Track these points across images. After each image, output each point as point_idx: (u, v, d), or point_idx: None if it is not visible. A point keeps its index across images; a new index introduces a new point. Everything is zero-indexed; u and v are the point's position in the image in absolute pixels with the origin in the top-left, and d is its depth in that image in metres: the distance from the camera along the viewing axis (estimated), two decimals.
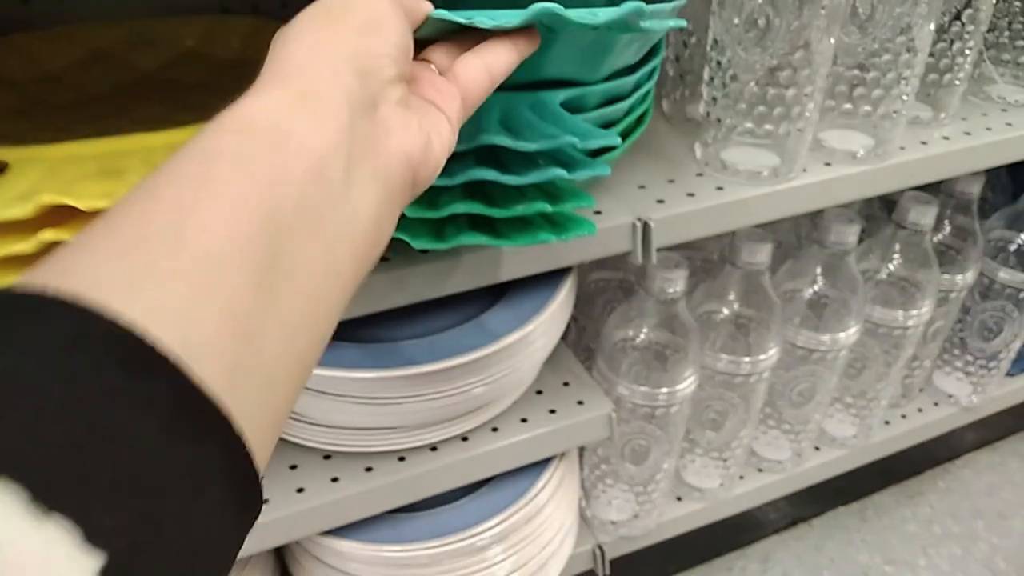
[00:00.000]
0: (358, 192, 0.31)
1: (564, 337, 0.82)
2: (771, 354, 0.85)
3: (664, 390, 0.80)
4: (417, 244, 0.51)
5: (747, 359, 0.85)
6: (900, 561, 1.26)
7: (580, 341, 0.94)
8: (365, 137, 0.32)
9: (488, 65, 0.41)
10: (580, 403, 0.79)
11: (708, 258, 0.96)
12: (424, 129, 0.36)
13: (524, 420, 0.77)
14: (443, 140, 0.38)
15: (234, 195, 0.26)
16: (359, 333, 0.65)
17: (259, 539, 0.68)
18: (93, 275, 0.23)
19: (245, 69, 0.68)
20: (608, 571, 0.96)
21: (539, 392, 0.80)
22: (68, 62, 0.69)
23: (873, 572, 1.24)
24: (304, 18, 0.35)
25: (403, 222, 0.51)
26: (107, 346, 0.21)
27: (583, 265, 0.93)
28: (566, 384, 0.81)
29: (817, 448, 1.08)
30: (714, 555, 1.26)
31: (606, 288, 0.94)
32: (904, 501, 1.36)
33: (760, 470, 1.05)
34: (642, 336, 0.81)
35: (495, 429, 0.76)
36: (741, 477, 1.03)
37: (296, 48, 0.33)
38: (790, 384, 0.94)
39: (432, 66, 0.41)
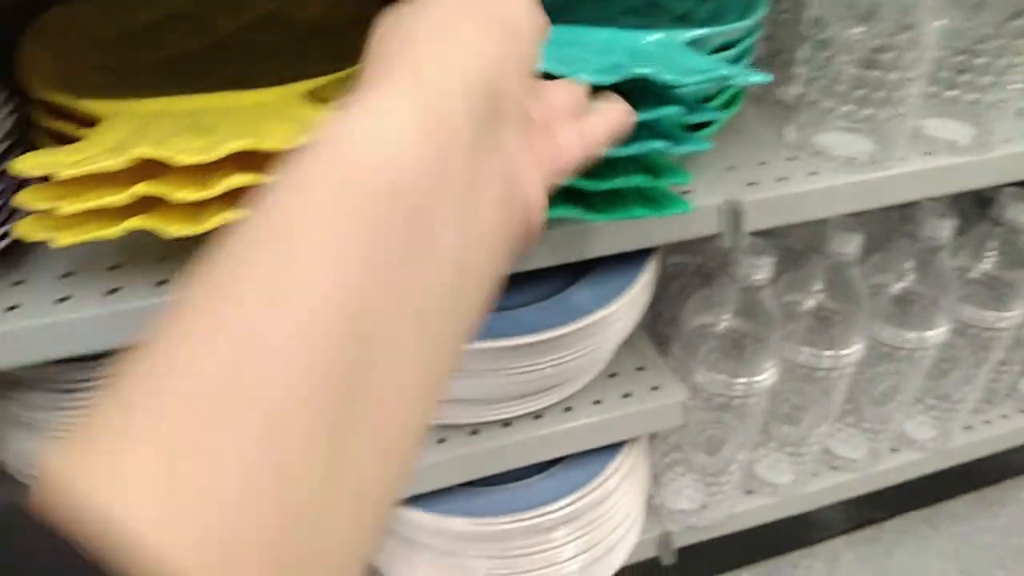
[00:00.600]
0: (473, 252, 0.26)
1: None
2: (854, 350, 0.83)
3: (742, 380, 0.78)
4: None
5: (829, 353, 0.82)
6: (975, 572, 1.21)
7: (654, 326, 0.92)
8: (489, 169, 0.27)
9: (583, 135, 0.35)
10: (655, 388, 0.78)
11: (792, 247, 0.93)
12: (540, 164, 0.31)
13: (598, 402, 0.76)
14: (551, 183, 0.32)
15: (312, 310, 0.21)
16: None
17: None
18: (120, 487, 0.18)
19: (324, 35, 0.68)
20: (674, 560, 0.94)
21: (613, 375, 0.79)
22: (148, 23, 0.69)
23: None
24: (428, 6, 0.29)
25: None
26: None
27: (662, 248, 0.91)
28: (641, 369, 0.80)
29: (895, 449, 1.05)
30: (780, 552, 1.23)
31: (682, 273, 0.92)
32: (981, 510, 1.31)
33: (834, 468, 1.02)
34: (722, 323, 0.79)
35: (568, 409, 0.75)
36: (814, 474, 1.01)
37: (422, 46, 0.27)
38: (872, 382, 0.91)
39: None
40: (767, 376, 0.79)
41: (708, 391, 0.79)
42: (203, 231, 0.45)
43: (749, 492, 0.98)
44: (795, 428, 0.90)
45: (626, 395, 0.77)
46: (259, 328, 0.20)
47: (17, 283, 0.53)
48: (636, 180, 0.47)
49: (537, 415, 0.74)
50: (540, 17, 0.31)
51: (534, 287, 0.67)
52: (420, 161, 0.24)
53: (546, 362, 0.63)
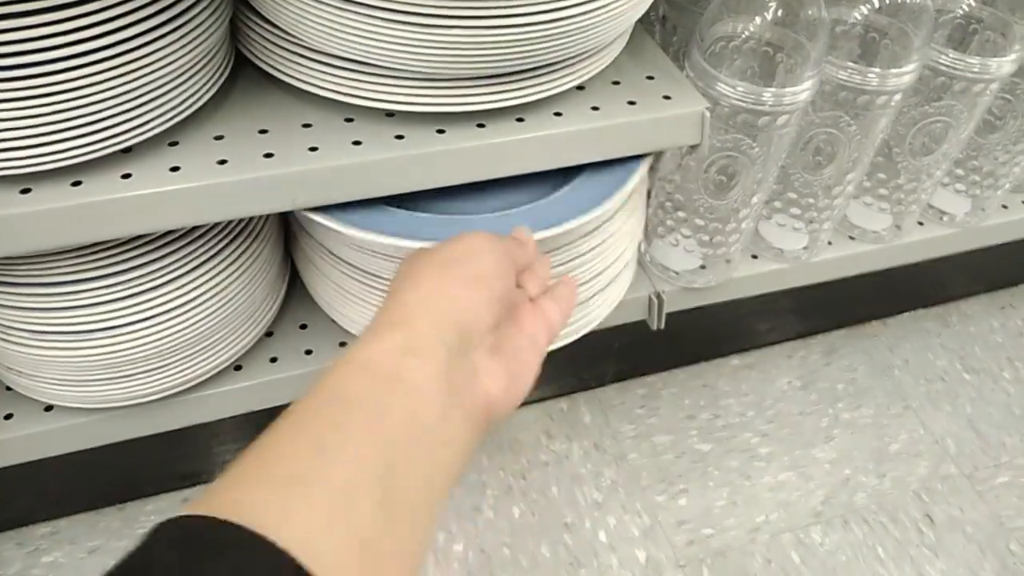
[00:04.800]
0: (452, 427, 0.37)
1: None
2: (908, 69, 0.68)
3: (773, 90, 0.64)
4: None
5: (876, 71, 0.68)
6: (982, 370, 1.13)
7: (667, 46, 0.77)
8: (459, 380, 0.39)
9: (559, 302, 0.49)
10: (667, 98, 0.63)
11: None
12: (510, 371, 0.42)
13: (595, 108, 0.62)
14: (531, 371, 0.44)
15: (362, 437, 0.33)
16: None
17: (260, 197, 0.55)
18: (261, 508, 0.29)
19: None
20: (662, 325, 0.83)
21: (616, 83, 0.64)
22: None
23: (950, 378, 1.12)
24: (420, 266, 0.43)
25: None
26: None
27: None
28: (650, 78, 0.65)
29: (921, 224, 0.93)
30: (775, 340, 1.13)
31: None
32: (994, 311, 1.21)
33: (852, 238, 0.90)
34: (754, 29, 0.64)
35: (558, 114, 0.61)
36: (829, 243, 0.88)
37: (409, 299, 0.41)
38: (917, 124, 0.77)
39: (528, 295, 0.49)
40: (804, 88, 0.64)
41: (730, 105, 0.65)
42: None
43: (754, 257, 0.86)
44: (817, 176, 0.77)
45: (631, 103, 0.62)
46: (331, 437, 0.33)
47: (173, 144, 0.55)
48: None
49: (519, 118, 0.60)
50: (506, 266, 0.45)
51: None
52: (412, 368, 0.37)
53: None
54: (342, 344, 0.74)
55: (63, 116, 0.47)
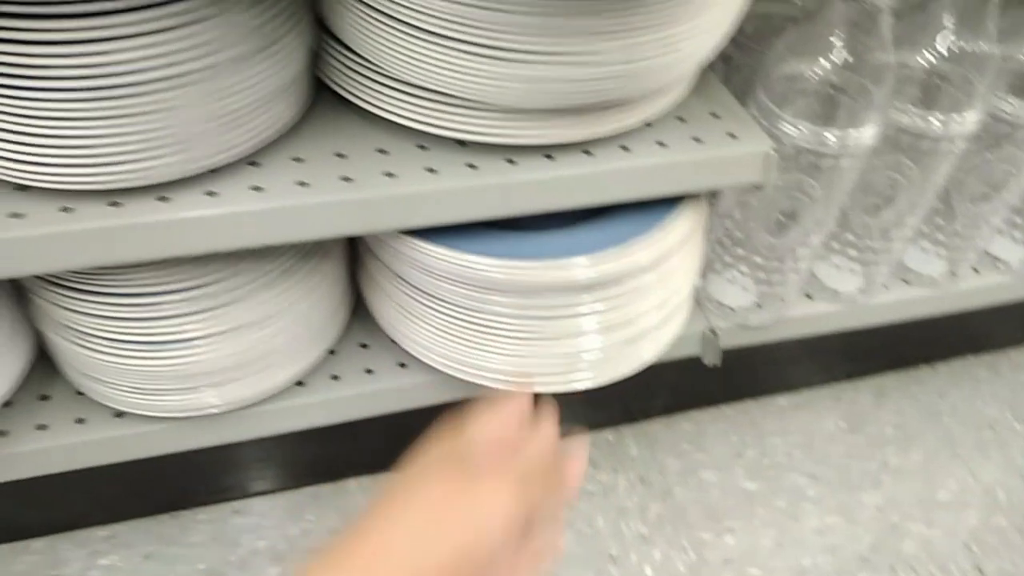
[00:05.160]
0: None
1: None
2: (970, 117, 0.69)
3: (836, 132, 0.65)
4: None
5: (939, 117, 0.68)
6: None
7: (732, 84, 0.78)
8: None
9: (575, 464, 0.50)
10: (732, 136, 0.65)
11: None
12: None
13: (661, 144, 0.63)
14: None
15: None
16: None
17: (337, 219, 0.57)
18: None
19: None
20: (717, 363, 0.84)
21: (682, 119, 0.66)
22: None
23: (1000, 427, 1.10)
24: (411, 502, 0.41)
25: None
26: None
27: None
28: (715, 116, 0.67)
29: (976, 270, 0.92)
30: (823, 381, 1.13)
31: (770, 13, 0.77)
32: None
33: (907, 282, 0.90)
34: (820, 69, 0.65)
35: (625, 148, 0.62)
36: (884, 286, 0.88)
37: (381, 537, 0.39)
38: (977, 170, 0.77)
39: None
40: (867, 131, 0.65)
41: (794, 145, 0.66)
42: None
43: (808, 297, 0.87)
44: (876, 219, 0.77)
45: (697, 139, 0.64)
46: None
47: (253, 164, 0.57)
48: None
49: (586, 150, 0.61)
50: (511, 521, 0.41)
51: None
52: None
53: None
54: (401, 365, 0.75)
55: (155, 136, 0.50)
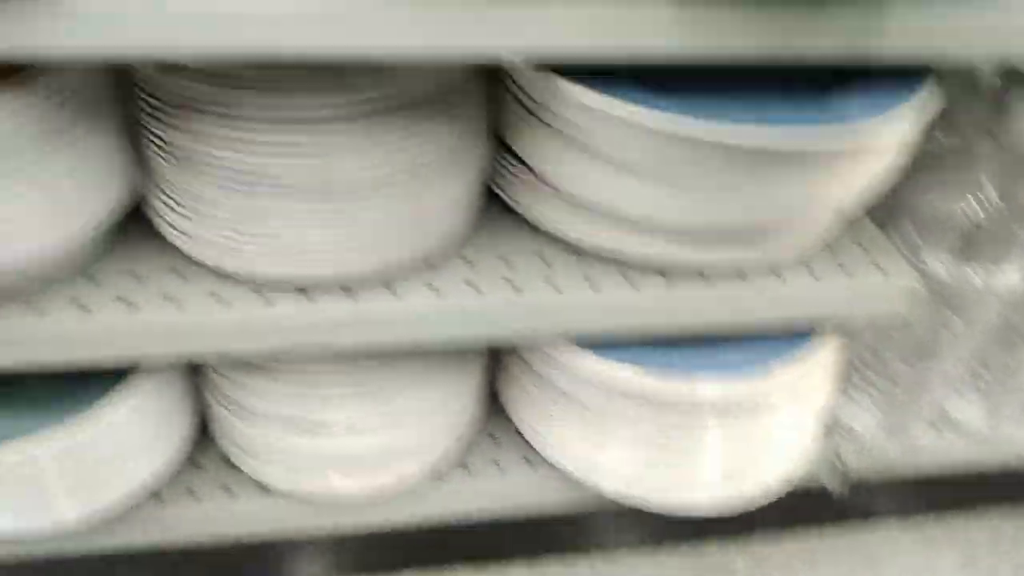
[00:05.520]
0: None
1: None
2: None
3: (982, 270, 0.66)
4: None
5: None
6: None
7: (871, 211, 0.80)
8: None
9: None
10: (878, 267, 0.66)
11: None
12: None
13: (810, 270, 0.65)
14: None
15: None
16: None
17: (504, 323, 0.60)
18: None
19: None
20: (845, 492, 0.83)
21: (829, 248, 0.68)
22: None
23: None
24: None
25: None
26: None
27: None
28: (861, 246, 0.69)
29: None
30: (940, 512, 1.10)
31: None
32: None
33: None
34: (966, 207, 0.67)
35: (777, 274, 0.65)
36: (1014, 422, 0.87)
37: None
38: None
39: None
40: (1012, 271, 0.66)
41: (937, 281, 0.67)
42: None
43: (935, 428, 0.86)
44: (1011, 356, 0.77)
45: (842, 266, 0.66)
46: None
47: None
48: None
49: (740, 272, 0.64)
50: None
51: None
52: None
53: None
54: (526, 460, 0.77)
55: (345, 238, 0.55)
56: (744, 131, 0.50)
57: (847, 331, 0.73)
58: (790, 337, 0.69)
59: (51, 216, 0.51)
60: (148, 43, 0.42)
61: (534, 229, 0.64)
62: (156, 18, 0.41)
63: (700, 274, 0.63)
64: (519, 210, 0.64)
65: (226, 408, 0.66)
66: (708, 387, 0.65)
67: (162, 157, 0.54)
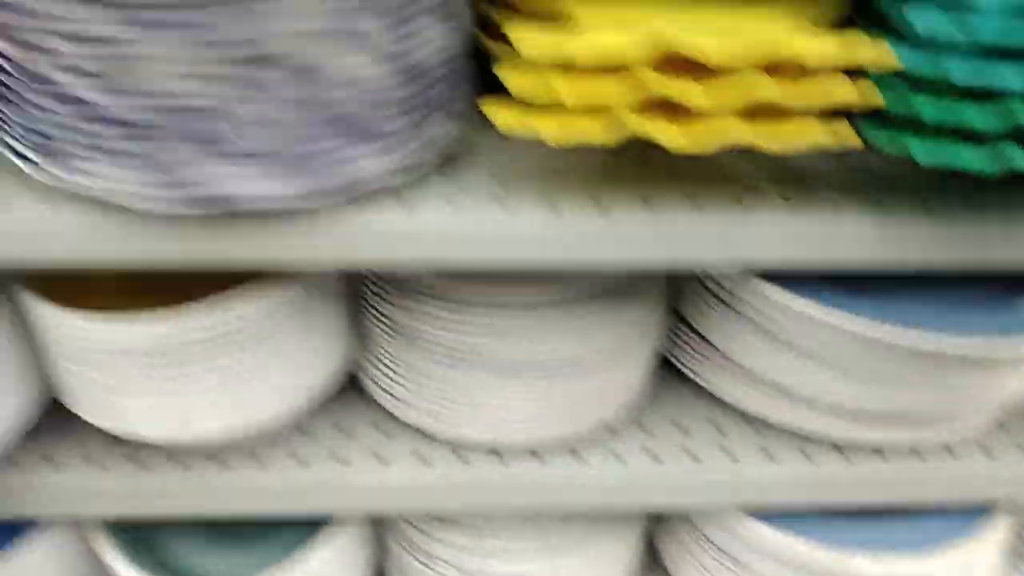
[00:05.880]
0: None
1: None
2: None
3: None
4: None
5: None
6: None
7: None
8: None
9: None
10: None
11: None
12: None
13: (983, 447, 0.66)
14: None
15: None
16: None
17: (681, 491, 0.63)
18: None
19: None
20: None
21: (1002, 426, 0.68)
22: None
23: None
24: None
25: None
26: None
27: None
28: None
29: None
30: None
31: None
32: None
33: None
34: None
35: (950, 451, 0.65)
36: None
37: None
38: None
39: None
40: None
41: None
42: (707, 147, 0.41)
43: None
44: None
45: (1019, 445, 0.66)
46: None
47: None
48: None
49: (915, 449, 0.65)
50: None
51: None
52: None
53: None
54: None
55: (536, 411, 0.59)
56: (942, 340, 0.52)
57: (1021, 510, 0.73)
58: (966, 514, 0.69)
59: (288, 385, 0.57)
60: (405, 256, 0.48)
61: (706, 395, 0.67)
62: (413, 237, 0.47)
63: (877, 451, 0.64)
64: (696, 380, 0.67)
65: (414, 556, 0.70)
66: (867, 565, 0.65)
67: (382, 330, 0.59)
